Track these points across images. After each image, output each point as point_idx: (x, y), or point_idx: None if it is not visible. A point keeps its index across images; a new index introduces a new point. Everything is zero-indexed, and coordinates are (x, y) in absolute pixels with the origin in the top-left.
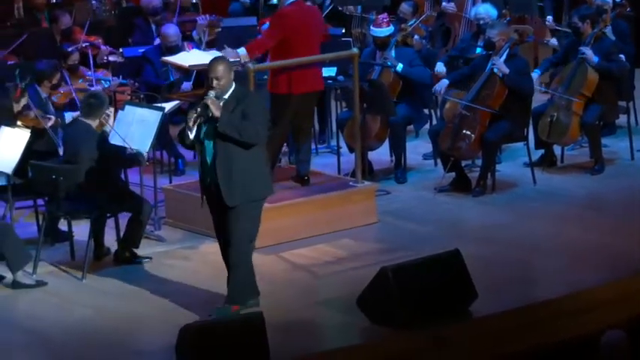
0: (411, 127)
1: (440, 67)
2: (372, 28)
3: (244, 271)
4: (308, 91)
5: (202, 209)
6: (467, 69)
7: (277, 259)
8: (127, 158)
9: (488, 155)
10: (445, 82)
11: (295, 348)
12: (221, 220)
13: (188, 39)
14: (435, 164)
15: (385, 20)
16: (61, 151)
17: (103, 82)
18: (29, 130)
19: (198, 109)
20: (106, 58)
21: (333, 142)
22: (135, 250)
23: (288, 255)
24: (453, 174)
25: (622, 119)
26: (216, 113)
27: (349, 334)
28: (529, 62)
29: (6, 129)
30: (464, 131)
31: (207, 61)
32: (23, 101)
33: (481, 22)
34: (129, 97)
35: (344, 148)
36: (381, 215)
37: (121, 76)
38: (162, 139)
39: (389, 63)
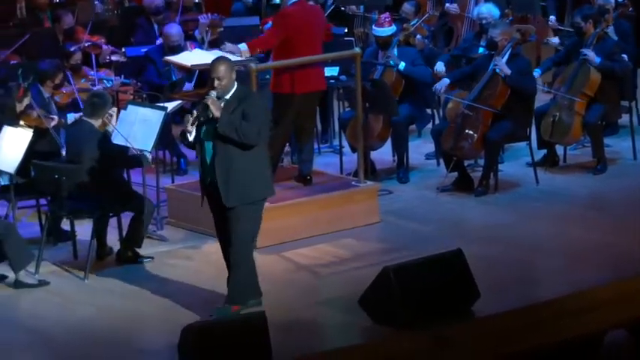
0: (413, 127)
1: (439, 67)
2: (374, 27)
3: (244, 271)
4: (310, 90)
5: (204, 209)
6: (468, 68)
7: (279, 259)
8: (130, 158)
9: (490, 155)
10: (446, 81)
11: (297, 347)
12: (221, 219)
13: (190, 38)
14: (438, 164)
15: (387, 20)
16: (63, 152)
17: (105, 81)
18: (32, 130)
19: (196, 112)
20: (108, 57)
21: (336, 142)
22: (137, 250)
23: (290, 255)
24: (456, 174)
25: (624, 119)
26: (216, 113)
27: (351, 333)
28: (532, 62)
29: (9, 129)
30: (466, 131)
31: (209, 61)
32: (26, 101)
33: (484, 21)
34: (131, 97)
35: (346, 148)
36: (383, 215)
37: (123, 76)
38: (164, 139)
39: (391, 62)
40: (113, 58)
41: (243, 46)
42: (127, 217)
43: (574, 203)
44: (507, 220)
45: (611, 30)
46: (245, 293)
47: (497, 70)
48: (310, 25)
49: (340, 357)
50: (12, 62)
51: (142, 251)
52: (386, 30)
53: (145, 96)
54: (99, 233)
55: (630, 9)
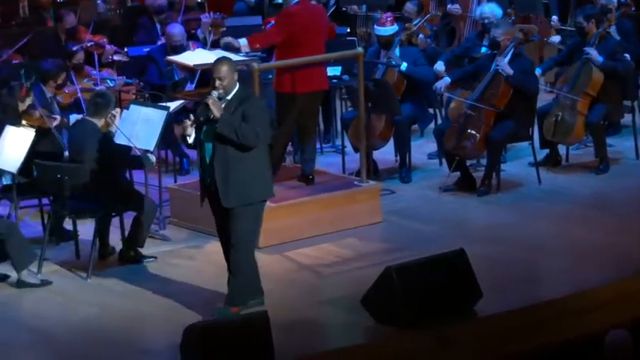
0: (415, 127)
1: (439, 66)
2: (376, 26)
3: (245, 272)
4: (313, 90)
5: (206, 208)
6: (470, 67)
7: (281, 259)
8: (131, 159)
9: (493, 155)
10: (447, 79)
11: (299, 347)
12: (222, 220)
13: (193, 38)
14: (440, 164)
15: (389, 19)
16: (66, 153)
17: (108, 81)
18: (34, 130)
19: (193, 116)
20: (110, 57)
21: (338, 142)
22: (140, 250)
23: (292, 254)
24: (458, 173)
25: (627, 118)
26: (217, 114)
27: (353, 333)
28: (534, 62)
29: (11, 128)
30: (469, 131)
31: (212, 61)
32: (28, 100)
33: (486, 21)
34: (134, 97)
35: (349, 148)
36: (385, 215)
37: (124, 76)
38: (167, 139)
39: (393, 62)
40: (115, 57)
41: (242, 41)
42: (129, 217)
43: (576, 203)
44: (510, 219)
45: (613, 29)
46: (245, 294)
47: (500, 70)
48: (313, 24)
49: (343, 357)
50: (14, 62)
51: (144, 251)
52: (388, 29)
53: (147, 96)
54: (101, 233)
55: (633, 8)
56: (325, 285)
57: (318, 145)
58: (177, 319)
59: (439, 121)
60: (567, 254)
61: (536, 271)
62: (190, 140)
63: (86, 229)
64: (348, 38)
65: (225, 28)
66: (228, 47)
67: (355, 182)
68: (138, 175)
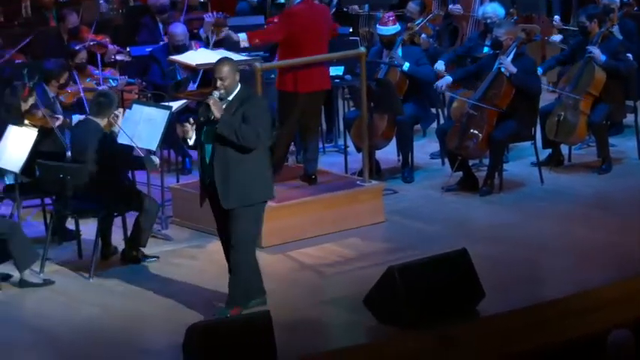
0: (418, 126)
1: (439, 65)
2: (378, 26)
3: (245, 272)
4: (315, 90)
5: (209, 208)
6: (472, 67)
7: (284, 258)
8: (133, 160)
9: (495, 154)
10: (448, 79)
11: (302, 347)
12: (222, 220)
13: (195, 37)
14: (443, 163)
15: (391, 18)
16: (68, 154)
17: (110, 81)
18: (36, 130)
19: (192, 119)
20: (113, 57)
21: (341, 141)
22: (142, 249)
23: (294, 254)
24: (461, 173)
25: (629, 118)
26: (217, 115)
27: (356, 333)
28: (536, 61)
29: (14, 128)
30: (471, 130)
31: (214, 60)
32: (31, 100)
33: (488, 21)
34: (136, 96)
35: (351, 147)
36: (388, 214)
37: (127, 76)
38: (169, 138)
39: (395, 62)
40: (118, 57)
41: (242, 35)
42: (131, 217)
43: (579, 203)
44: (512, 219)
45: (616, 29)
46: (245, 295)
47: (503, 69)
48: (316, 24)
49: (345, 357)
50: (17, 61)
51: (146, 251)
52: (390, 29)
53: (149, 95)
54: (104, 233)
55: (635, 8)
56: (328, 285)
57: (320, 145)
58: (179, 319)
59: (441, 121)
60: (570, 254)
61: (538, 270)
62: (191, 142)
63: (88, 228)
64: (351, 38)
65: (227, 28)
66: (228, 40)
67: (358, 182)
68: (140, 175)
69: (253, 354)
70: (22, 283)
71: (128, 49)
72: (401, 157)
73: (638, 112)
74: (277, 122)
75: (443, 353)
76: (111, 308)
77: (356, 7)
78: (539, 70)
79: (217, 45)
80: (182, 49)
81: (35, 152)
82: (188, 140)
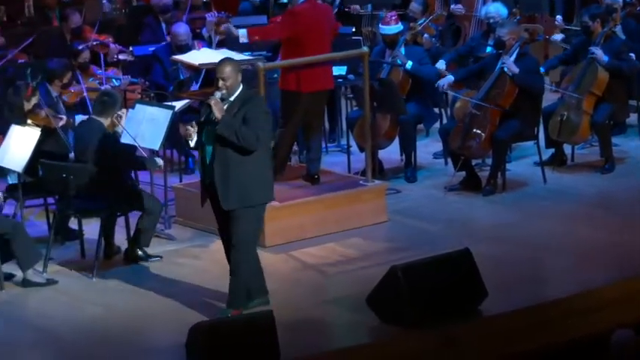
0: (421, 126)
1: (440, 65)
2: (380, 25)
3: (244, 272)
4: (318, 89)
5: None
6: (475, 66)
7: (287, 258)
8: (135, 160)
9: (498, 154)
10: (450, 78)
11: (304, 346)
12: (223, 220)
13: (198, 37)
14: (446, 163)
15: (394, 18)
16: (71, 155)
17: (113, 80)
18: (39, 129)
19: (194, 123)
20: (116, 56)
21: (343, 141)
22: (145, 249)
23: (297, 254)
24: (463, 173)
25: (632, 118)
26: (218, 115)
27: (358, 332)
28: (539, 61)
29: (16, 127)
30: (474, 130)
31: (217, 60)
32: (34, 100)
33: (491, 20)
34: (139, 96)
35: (354, 147)
36: (391, 214)
37: (130, 75)
38: (172, 138)
39: (398, 61)
40: (121, 57)
41: (242, 31)
42: (134, 217)
43: (582, 202)
44: (515, 219)
45: (618, 29)
46: (245, 297)
47: (505, 69)
48: (320, 23)
49: (348, 356)
50: (20, 61)
51: (149, 250)
52: (392, 28)
53: (152, 95)
54: (107, 232)
55: (638, 8)
56: (330, 284)
57: (323, 145)
58: (182, 319)
59: (444, 121)
60: (573, 254)
61: (541, 270)
62: (192, 144)
63: (91, 228)
64: (354, 37)
65: (229, 23)
66: (229, 36)
67: (360, 182)
68: (143, 175)
69: (256, 354)
70: (25, 283)
71: (131, 48)
72: (404, 157)
73: None
74: (280, 122)
75: (446, 353)
76: (114, 308)
77: (357, 6)
78: (541, 70)
79: (220, 45)
80: (185, 48)
81: (38, 152)
82: (189, 142)
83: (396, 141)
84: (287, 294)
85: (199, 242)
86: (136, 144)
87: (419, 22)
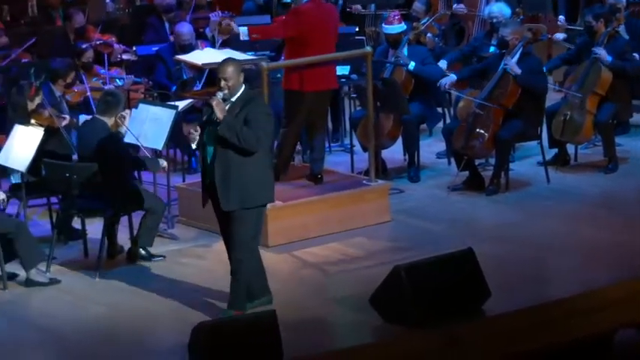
0: (424, 126)
1: (442, 65)
2: (383, 25)
3: (245, 273)
4: (322, 89)
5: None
6: (478, 65)
7: (290, 258)
8: (136, 161)
9: (501, 154)
10: (453, 77)
11: (307, 346)
12: (224, 220)
13: (201, 37)
14: (449, 163)
15: (397, 17)
16: (74, 157)
17: (117, 80)
18: (43, 129)
19: (197, 127)
20: (119, 56)
21: (347, 141)
22: (148, 249)
23: (300, 253)
24: (467, 173)
25: (636, 118)
26: (219, 116)
27: (362, 332)
28: (542, 60)
29: (20, 127)
30: (477, 130)
31: (220, 60)
32: (37, 100)
33: (494, 20)
34: (142, 96)
35: (357, 147)
36: (394, 214)
37: (133, 75)
38: (175, 137)
39: (401, 61)
40: (124, 56)
41: (243, 29)
42: (137, 216)
43: (585, 202)
44: (518, 219)
45: (622, 29)
46: (245, 298)
47: (508, 70)
48: (322, 23)
49: (351, 356)
50: (23, 61)
51: (152, 250)
52: (395, 27)
53: (156, 95)
54: (110, 232)
55: None
56: (333, 284)
57: (326, 144)
58: (185, 318)
59: (448, 121)
60: (576, 253)
61: (544, 270)
62: (194, 146)
63: (95, 227)
64: (357, 37)
65: (232, 21)
66: (232, 34)
67: (364, 181)
68: (146, 174)
69: (259, 353)
70: (29, 282)
71: (134, 48)
72: (407, 157)
73: None
74: (283, 121)
75: (449, 352)
76: (117, 307)
77: (359, 6)
78: (544, 69)
79: (224, 44)
80: (188, 48)
81: (41, 152)
82: (191, 144)
83: (400, 141)
84: (290, 293)
85: (202, 242)
86: (140, 144)
87: (422, 22)
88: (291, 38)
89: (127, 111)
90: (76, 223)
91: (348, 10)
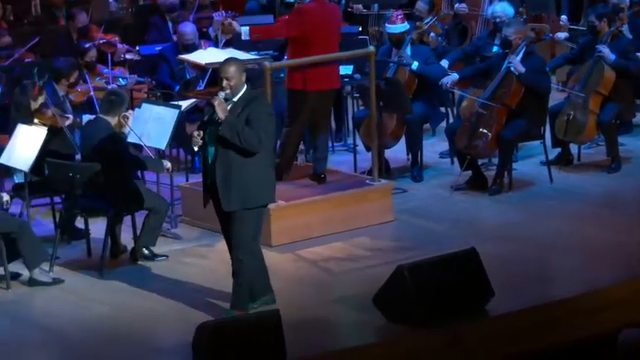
0: (427, 125)
1: (444, 64)
2: (386, 24)
3: (246, 273)
4: (325, 88)
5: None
6: (481, 65)
7: (293, 257)
8: (138, 161)
9: (504, 153)
10: (455, 76)
11: (310, 346)
12: (225, 220)
13: (204, 36)
14: (452, 162)
15: (400, 17)
16: (78, 157)
17: (120, 79)
18: (46, 128)
19: (201, 133)
20: (122, 55)
21: (350, 140)
22: (151, 248)
23: (303, 253)
24: (470, 172)
25: (639, 117)
26: (221, 116)
27: (365, 332)
28: (545, 60)
29: (23, 127)
30: (480, 129)
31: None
32: (41, 99)
33: (497, 20)
34: (146, 95)
35: (360, 147)
36: (397, 213)
37: (136, 74)
38: (178, 137)
39: (404, 61)
40: (127, 56)
41: (245, 28)
42: (141, 216)
43: (588, 202)
44: (521, 218)
45: (625, 29)
46: (247, 299)
47: (512, 69)
48: (326, 23)
49: (354, 356)
50: (27, 60)
51: (156, 249)
52: (398, 27)
53: (159, 94)
54: (113, 231)
55: None
56: (336, 283)
57: (329, 144)
58: (188, 318)
59: (451, 120)
60: (579, 253)
61: (547, 270)
62: (196, 148)
63: (98, 227)
64: (360, 37)
65: (234, 20)
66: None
67: (367, 181)
68: (149, 174)
69: (263, 353)
70: (32, 282)
71: (137, 48)
72: (410, 156)
73: None
74: (287, 121)
75: (452, 352)
76: (120, 307)
77: (360, 6)
78: (547, 68)
79: (227, 44)
80: (191, 48)
81: (44, 151)
82: (193, 147)
83: (403, 140)
84: (293, 293)
85: (206, 242)
86: (143, 144)
87: (425, 22)
88: (295, 38)
89: (131, 111)
90: (79, 222)
91: (349, 10)
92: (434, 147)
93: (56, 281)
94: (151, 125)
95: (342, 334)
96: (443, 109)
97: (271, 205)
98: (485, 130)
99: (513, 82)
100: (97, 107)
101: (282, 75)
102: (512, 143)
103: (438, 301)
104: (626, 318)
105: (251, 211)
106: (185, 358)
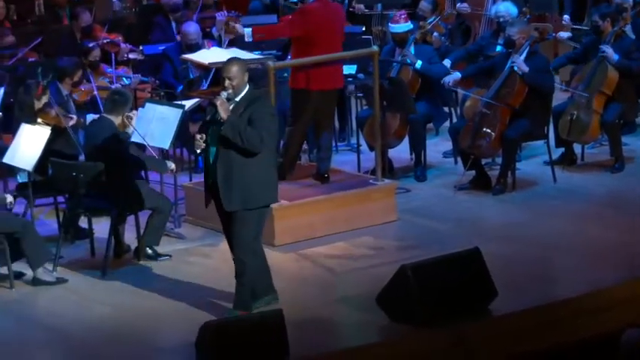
0: (430, 125)
1: (446, 64)
2: (390, 24)
3: (247, 274)
4: (328, 88)
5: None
6: (484, 64)
7: (296, 257)
8: (142, 162)
9: (508, 153)
10: (457, 75)
11: (314, 345)
12: (226, 221)
13: (208, 36)
14: (455, 162)
15: (403, 16)
16: (81, 158)
17: (123, 79)
18: (50, 128)
19: (204, 136)
20: (126, 55)
21: (353, 140)
22: (155, 248)
23: (307, 252)
24: (473, 172)
25: None
26: (223, 115)
27: (368, 332)
28: (549, 59)
29: (27, 126)
30: (484, 129)
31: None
32: (44, 99)
33: (501, 20)
34: (149, 95)
35: (364, 146)
36: (400, 213)
37: (140, 74)
38: (182, 137)
39: (408, 60)
40: (131, 56)
41: (247, 30)
42: (144, 215)
43: (591, 202)
44: (525, 218)
45: (628, 29)
46: (249, 299)
47: (515, 68)
48: (329, 23)
49: (357, 355)
50: (30, 60)
51: (159, 249)
52: (402, 26)
53: (162, 94)
54: (116, 231)
55: None
56: (340, 283)
57: (333, 144)
58: (192, 318)
59: (454, 120)
60: (582, 253)
61: (551, 269)
62: (198, 151)
63: (101, 227)
64: (364, 37)
65: (237, 21)
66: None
67: (370, 181)
68: (153, 174)
69: (266, 352)
70: (35, 282)
71: (141, 47)
72: (413, 156)
73: None
74: (290, 120)
75: (455, 352)
76: (123, 307)
77: (362, 6)
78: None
79: (230, 44)
80: (195, 47)
81: (48, 151)
82: (196, 150)
83: (406, 140)
84: (296, 293)
85: (209, 241)
86: (146, 144)
87: (428, 21)
88: (298, 37)
89: (135, 111)
90: (83, 222)
91: (351, 9)
92: (437, 147)
93: (60, 281)
94: (154, 125)
95: (345, 333)
96: (446, 109)
97: (274, 205)
98: (488, 130)
99: (517, 81)
100: (100, 107)
101: (285, 75)
102: (516, 143)
103: (441, 301)
104: (630, 318)
105: (252, 212)
106: (188, 358)
